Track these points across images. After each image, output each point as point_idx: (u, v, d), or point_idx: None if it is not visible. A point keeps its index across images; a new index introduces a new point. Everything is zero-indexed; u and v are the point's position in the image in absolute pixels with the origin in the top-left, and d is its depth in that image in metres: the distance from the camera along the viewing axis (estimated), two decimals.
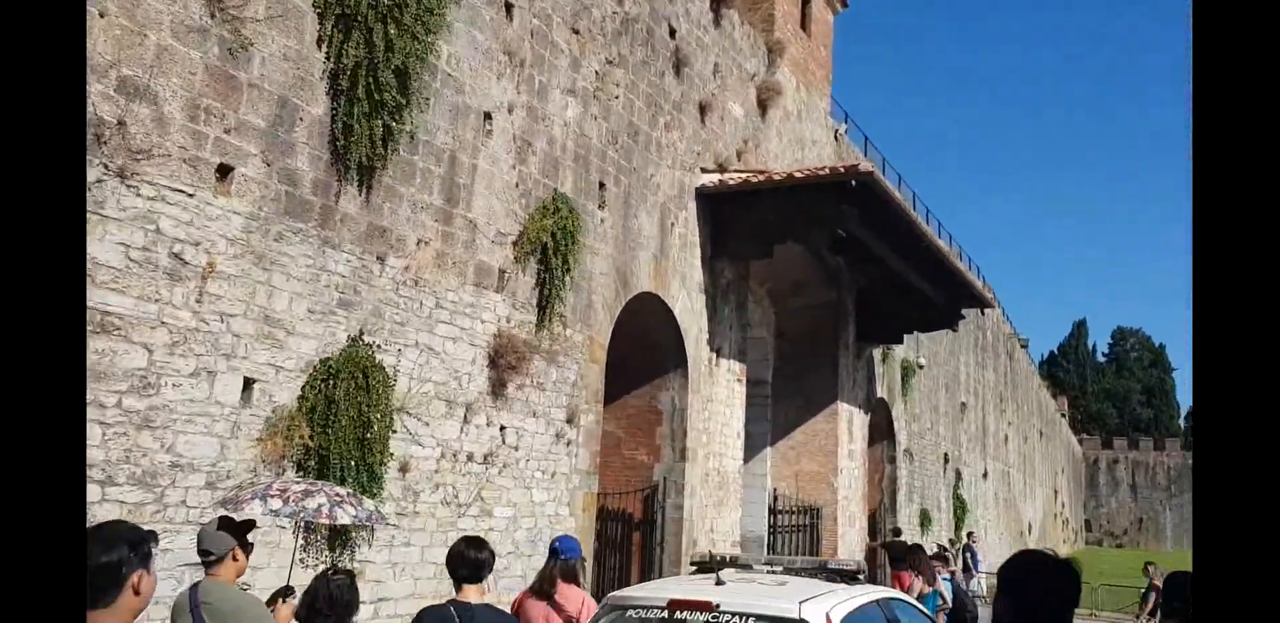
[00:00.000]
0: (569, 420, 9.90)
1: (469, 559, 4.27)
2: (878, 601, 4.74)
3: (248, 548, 4.42)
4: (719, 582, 4.44)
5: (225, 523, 4.44)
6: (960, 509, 25.01)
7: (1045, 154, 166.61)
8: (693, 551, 12.05)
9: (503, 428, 8.94)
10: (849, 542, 17.41)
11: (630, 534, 12.19)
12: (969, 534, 20.68)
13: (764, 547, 16.53)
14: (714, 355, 13.01)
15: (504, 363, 8.84)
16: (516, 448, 9.12)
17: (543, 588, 5.23)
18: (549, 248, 9.51)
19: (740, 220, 12.96)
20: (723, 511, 12.97)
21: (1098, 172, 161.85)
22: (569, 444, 9.90)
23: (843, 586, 4.67)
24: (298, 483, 5.69)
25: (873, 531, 19.92)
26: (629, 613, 4.37)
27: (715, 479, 12.88)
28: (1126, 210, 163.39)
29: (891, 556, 18.03)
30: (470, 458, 8.49)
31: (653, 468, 12.24)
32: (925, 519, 21.85)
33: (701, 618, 4.06)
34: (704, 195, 12.78)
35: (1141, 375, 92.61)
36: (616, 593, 4.77)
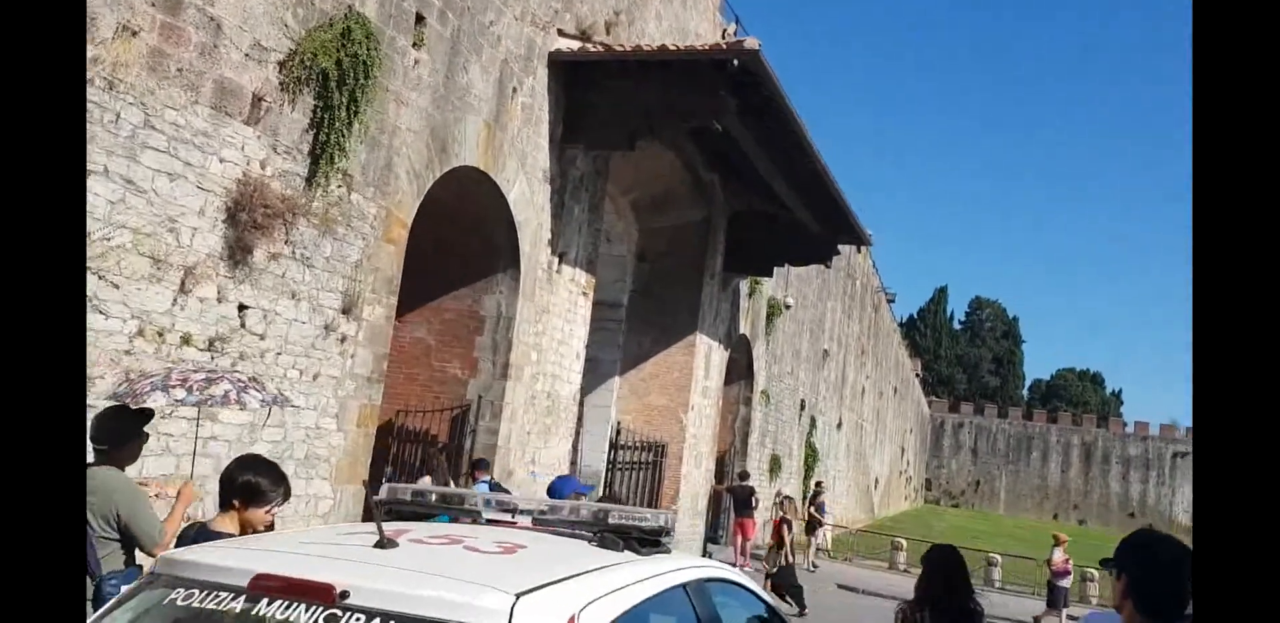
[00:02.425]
0: (346, 311, 7.74)
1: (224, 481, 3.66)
2: (686, 585, 2.79)
3: (143, 438, 4.40)
4: (384, 544, 2.35)
5: (119, 412, 4.39)
6: (812, 458, 24.04)
7: (929, 123, 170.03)
8: (509, 481, 10.16)
9: (243, 307, 6.72)
10: (693, 483, 15.90)
11: (431, 460, 10.19)
12: (817, 484, 19.64)
13: (600, 484, 14.85)
14: (555, 260, 11.00)
15: (249, 220, 6.58)
16: (263, 336, 6.92)
17: None
18: (331, 79, 7.22)
19: (600, 101, 10.87)
20: (550, 440, 11.10)
21: (975, 144, 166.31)
22: (343, 341, 7.74)
23: (625, 558, 2.66)
24: (196, 371, 5.41)
25: (720, 473, 18.54)
26: (177, 595, 2.16)
27: (544, 403, 10.97)
28: (997, 184, 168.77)
29: (736, 500, 16.76)
30: (187, 341, 6.25)
31: (467, 384, 10.23)
32: (775, 465, 20.66)
33: (309, 616, 2.02)
34: (559, 64, 10.62)
35: (993, 345, 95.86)
36: (172, 555, 2.44)
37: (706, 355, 16.08)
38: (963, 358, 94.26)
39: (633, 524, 2.88)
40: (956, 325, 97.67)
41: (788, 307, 20.71)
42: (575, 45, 10.81)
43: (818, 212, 15.41)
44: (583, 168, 11.36)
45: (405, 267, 10.46)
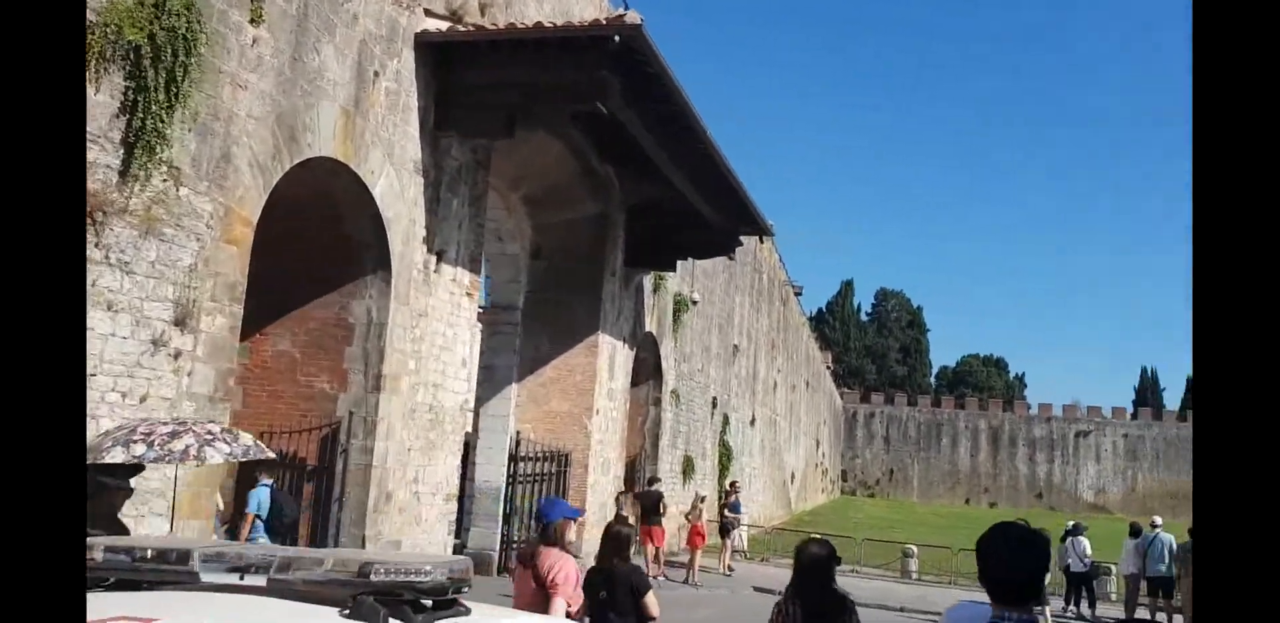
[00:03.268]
0: (179, 323, 6.75)
1: None
2: None
3: (119, 491, 4.62)
4: None
5: (94, 469, 4.54)
6: (726, 457, 23.52)
7: (829, 117, 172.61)
8: (388, 505, 9.25)
9: None
10: (601, 492, 15.14)
11: (302, 486, 9.22)
12: (731, 484, 19.10)
13: (500, 500, 13.99)
14: (433, 259, 10.11)
15: None
16: None
17: (527, 555, 5.08)
18: (144, 56, 6.24)
19: (475, 86, 10.03)
20: (435, 456, 10.19)
21: (869, 135, 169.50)
22: (177, 357, 6.75)
23: None
24: (165, 424, 5.49)
25: (631, 479, 17.82)
26: None
27: (425, 416, 10.06)
28: (898, 175, 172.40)
29: (643, 506, 16.08)
30: None
31: (337, 400, 9.27)
32: (689, 467, 20.05)
33: None
34: (427, 46, 9.73)
35: (900, 335, 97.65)
36: None
37: (610, 356, 15.33)
38: (871, 349, 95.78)
39: (406, 582, 2.05)
40: (864, 317, 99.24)
41: (694, 302, 20.12)
42: (445, 26, 9.94)
43: (716, 201, 14.83)
44: (460, 158, 10.49)
45: (262, 272, 9.42)
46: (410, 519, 9.83)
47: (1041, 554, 2.60)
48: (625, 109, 10.74)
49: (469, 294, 10.85)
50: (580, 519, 5.75)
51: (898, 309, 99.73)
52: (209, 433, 5.38)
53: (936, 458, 77.95)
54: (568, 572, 4.84)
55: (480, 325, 15.91)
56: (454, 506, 10.68)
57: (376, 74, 9.08)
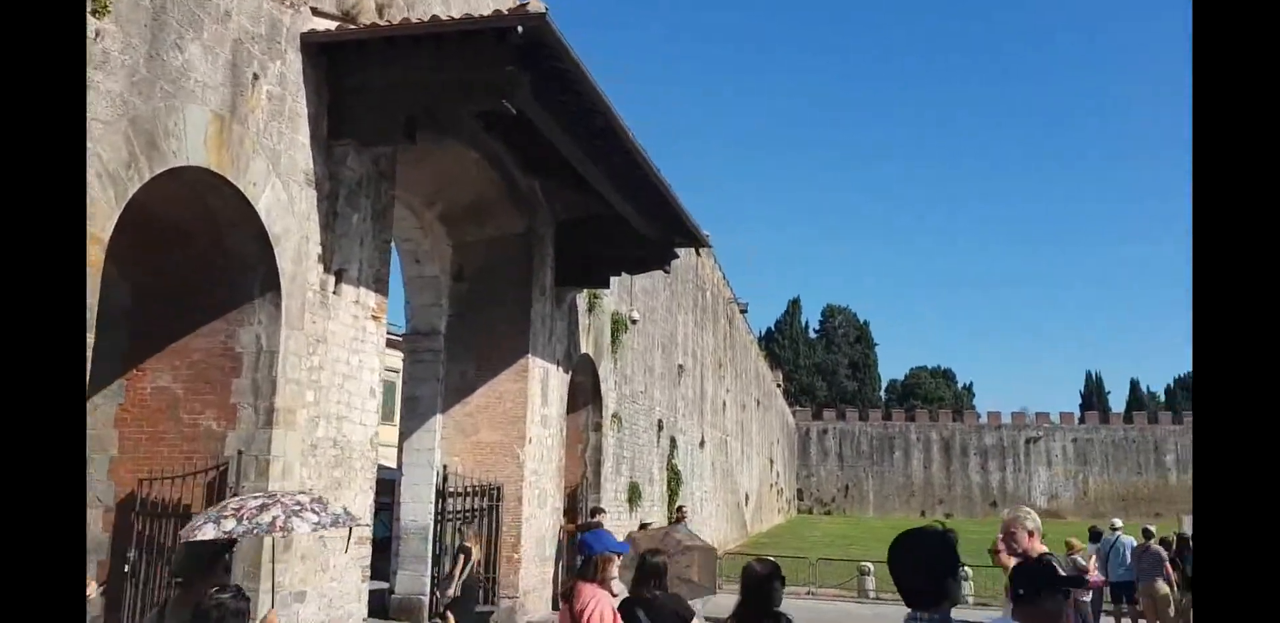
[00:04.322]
0: None
1: None
2: None
3: (225, 566, 4.75)
4: None
5: (190, 547, 5.01)
6: (675, 481, 22.66)
7: (765, 134, 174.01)
8: (287, 553, 8.27)
9: None
10: (537, 526, 14.19)
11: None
12: (678, 509, 18.27)
13: (428, 540, 13.00)
14: (331, 279, 9.19)
15: None
16: None
17: (567, 590, 5.29)
18: None
19: (370, 88, 9.19)
20: (342, 496, 9.21)
21: (810, 152, 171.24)
22: None
23: None
24: (255, 497, 5.82)
25: (574, 511, 16.90)
26: None
27: (329, 453, 9.10)
28: (838, 194, 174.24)
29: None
30: None
31: (225, 438, 8.29)
32: (635, 494, 19.16)
33: None
34: (315, 47, 8.89)
35: (848, 350, 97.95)
36: None
37: (543, 380, 14.46)
38: (821, 365, 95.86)
39: None
40: (812, 334, 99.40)
41: (634, 321, 19.34)
42: (335, 26, 9.11)
43: (648, 213, 14.11)
44: (359, 169, 9.62)
45: (137, 301, 8.49)
46: (316, 567, 8.84)
47: (945, 556, 2.67)
48: (539, 110, 9.99)
49: (375, 317, 9.94)
50: (625, 555, 5.63)
51: (845, 325, 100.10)
52: (297, 504, 5.60)
53: (890, 472, 77.87)
54: (603, 611, 4.85)
55: (400, 354, 14.99)
56: (367, 549, 9.68)
57: (256, 77, 8.21)
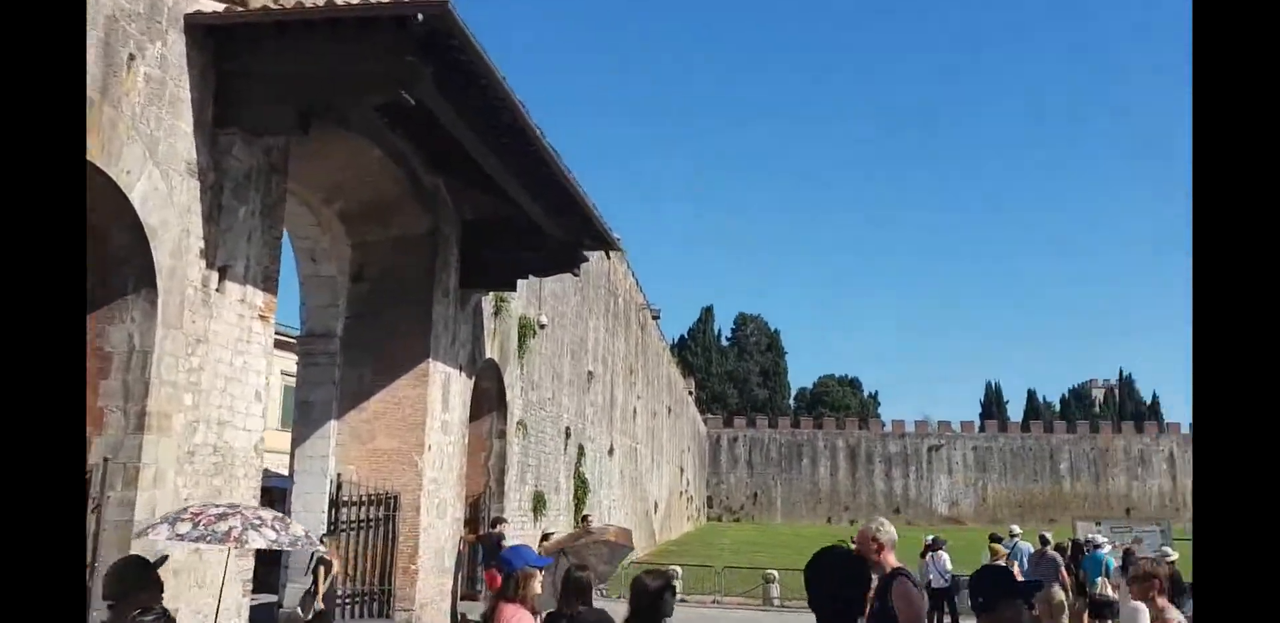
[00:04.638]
0: None
1: None
2: None
3: (153, 588, 4.26)
4: None
5: (125, 564, 4.39)
6: (582, 490, 22.33)
7: (681, 142, 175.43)
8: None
9: None
10: (436, 536, 13.71)
11: None
12: (584, 518, 17.93)
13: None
14: (214, 276, 8.66)
15: None
16: None
17: (489, 613, 4.97)
18: None
19: (262, 75, 8.70)
20: None
21: (719, 157, 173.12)
22: None
23: None
24: (217, 506, 5.88)
25: (476, 520, 16.44)
26: None
27: (208, 460, 8.55)
28: (752, 203, 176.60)
29: (485, 549, 14.79)
30: None
31: (91, 444, 7.69)
32: (540, 503, 18.77)
33: None
34: (201, 29, 8.37)
35: (759, 358, 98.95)
36: None
37: (444, 385, 14.00)
38: (732, 373, 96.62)
39: None
40: (724, 342, 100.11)
41: (542, 326, 18.99)
42: (224, 8, 8.60)
43: (557, 214, 13.82)
44: (247, 160, 9.10)
45: None
46: (191, 583, 8.28)
47: (858, 576, 2.75)
48: (443, 104, 9.62)
49: (263, 317, 9.41)
50: (548, 568, 5.36)
51: (757, 333, 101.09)
52: (258, 518, 5.43)
53: (798, 479, 78.83)
54: None
55: (295, 356, 14.36)
56: (249, 562, 9.14)
57: (132, 57, 7.67)
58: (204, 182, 8.51)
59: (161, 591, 4.29)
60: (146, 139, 7.78)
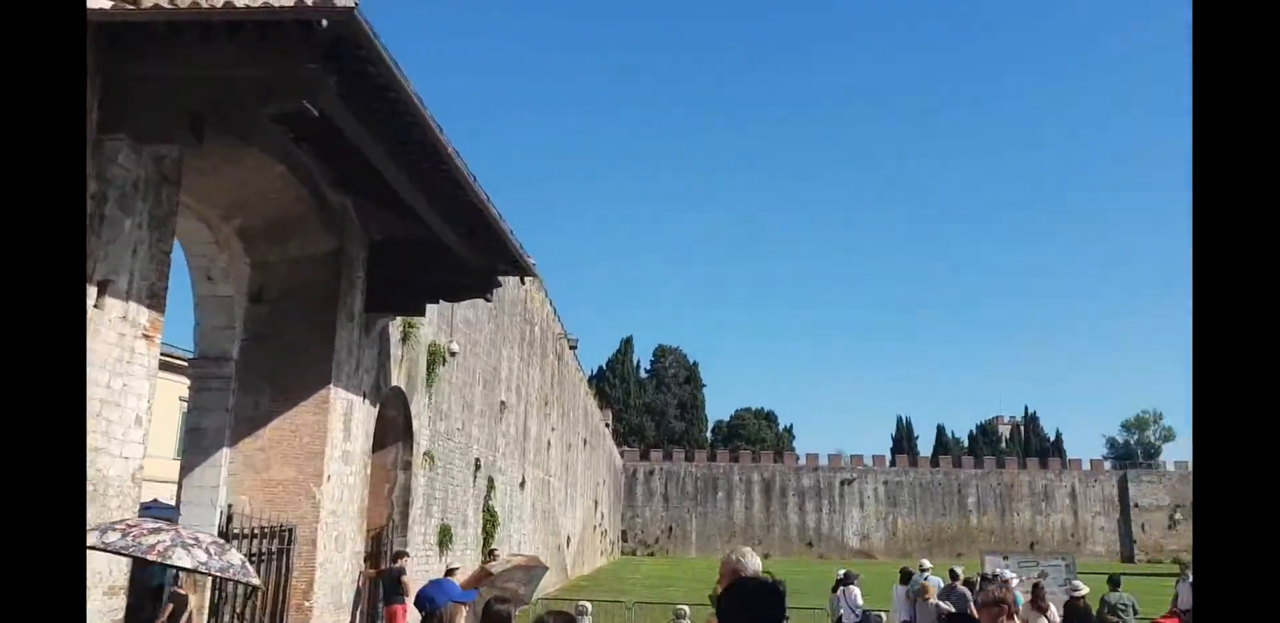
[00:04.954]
0: None
1: None
2: None
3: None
4: None
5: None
6: (491, 523, 21.68)
7: (601, 170, 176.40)
8: None
9: None
10: (333, 571, 13.02)
11: None
12: (491, 552, 17.38)
13: (208, 587, 11.66)
14: (91, 290, 8.06)
15: None
16: None
17: None
18: None
19: (152, 78, 8.21)
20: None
21: (644, 189, 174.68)
22: None
23: None
24: (153, 521, 5.77)
25: (378, 554, 15.74)
26: None
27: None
28: (673, 233, 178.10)
29: (384, 585, 14.13)
30: None
31: None
32: (446, 536, 18.11)
33: None
34: (89, 25, 7.84)
35: (678, 391, 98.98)
36: None
37: (346, 413, 13.40)
38: (650, 405, 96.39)
39: None
40: (643, 374, 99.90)
41: (452, 353, 18.47)
42: (110, 5, 8.11)
43: (470, 237, 13.43)
44: (135, 170, 8.55)
45: None
46: None
47: (775, 606, 2.67)
48: (348, 117, 9.24)
49: (147, 336, 8.81)
50: (472, 603, 5.02)
51: (675, 365, 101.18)
52: (194, 538, 5.33)
53: (714, 512, 78.72)
54: None
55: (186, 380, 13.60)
56: (120, 601, 8.43)
57: None
58: (85, 192, 7.93)
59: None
60: None
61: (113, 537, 5.13)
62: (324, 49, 7.86)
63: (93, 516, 8.05)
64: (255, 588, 10.18)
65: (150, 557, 5.34)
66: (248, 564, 5.34)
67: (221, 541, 5.90)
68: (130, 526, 5.37)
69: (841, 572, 15.31)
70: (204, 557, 5.24)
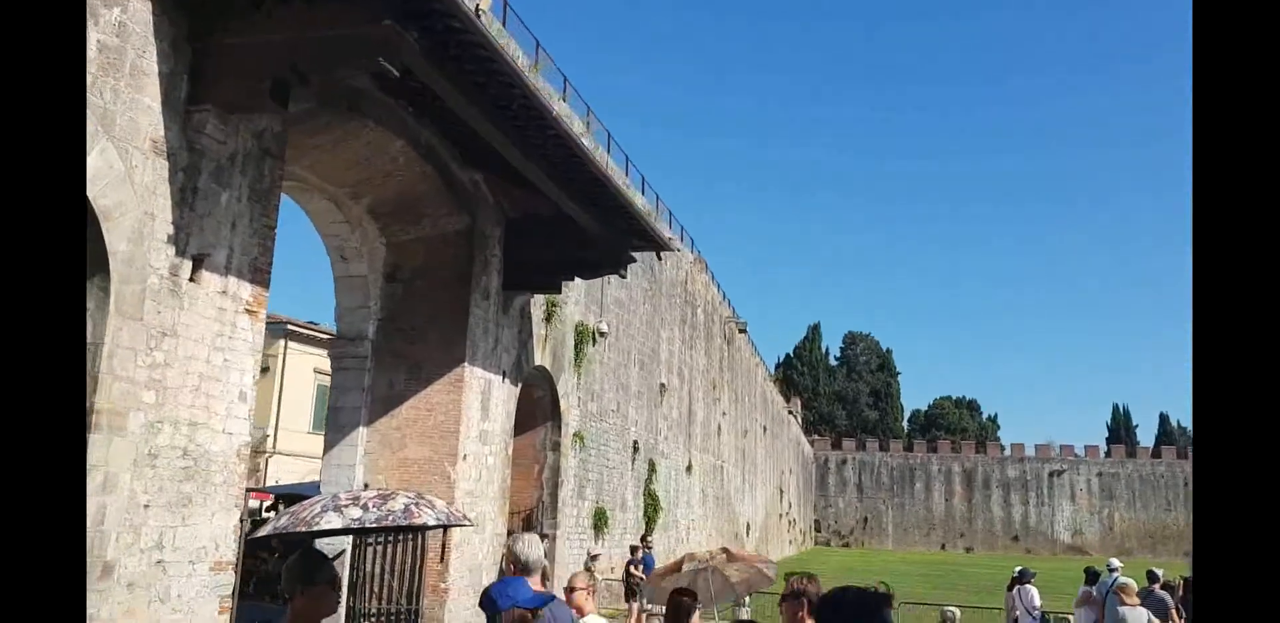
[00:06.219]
0: None
1: None
2: None
3: (332, 584, 3.58)
4: None
5: (304, 555, 3.61)
6: (653, 508, 21.20)
7: (777, 161, 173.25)
8: (107, 580, 7.02)
9: None
10: (471, 556, 12.85)
11: None
12: (642, 538, 16.85)
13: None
14: (187, 264, 8.02)
15: None
16: None
17: None
18: None
19: (232, 48, 8.06)
20: (193, 514, 7.97)
21: (825, 178, 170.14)
22: None
23: None
24: (366, 490, 6.20)
25: None
26: None
27: (175, 463, 7.86)
28: (860, 217, 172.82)
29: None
30: None
31: None
32: (601, 520, 17.75)
33: None
34: None
35: (870, 379, 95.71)
36: None
37: (483, 392, 13.19)
38: (841, 394, 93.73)
39: None
40: (833, 362, 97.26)
41: (602, 334, 18.06)
42: None
43: (597, 209, 12.90)
44: (231, 142, 8.47)
45: None
46: (151, 597, 7.57)
47: (873, 618, 2.57)
48: (441, 81, 8.84)
49: (250, 311, 8.74)
50: (550, 608, 4.25)
51: (867, 353, 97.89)
52: (411, 495, 5.30)
53: (911, 504, 75.55)
54: None
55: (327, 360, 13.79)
56: (229, 577, 8.41)
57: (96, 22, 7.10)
58: (174, 162, 7.89)
59: (338, 589, 3.75)
60: (98, 112, 7.18)
61: (356, 513, 5.00)
62: (399, 5, 7.43)
63: (191, 491, 8.03)
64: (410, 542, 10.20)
65: (414, 521, 5.27)
66: (413, 506, 4.99)
67: (388, 491, 5.67)
68: (354, 498, 5.26)
69: (1017, 569, 13.74)
70: (358, 513, 5.03)
